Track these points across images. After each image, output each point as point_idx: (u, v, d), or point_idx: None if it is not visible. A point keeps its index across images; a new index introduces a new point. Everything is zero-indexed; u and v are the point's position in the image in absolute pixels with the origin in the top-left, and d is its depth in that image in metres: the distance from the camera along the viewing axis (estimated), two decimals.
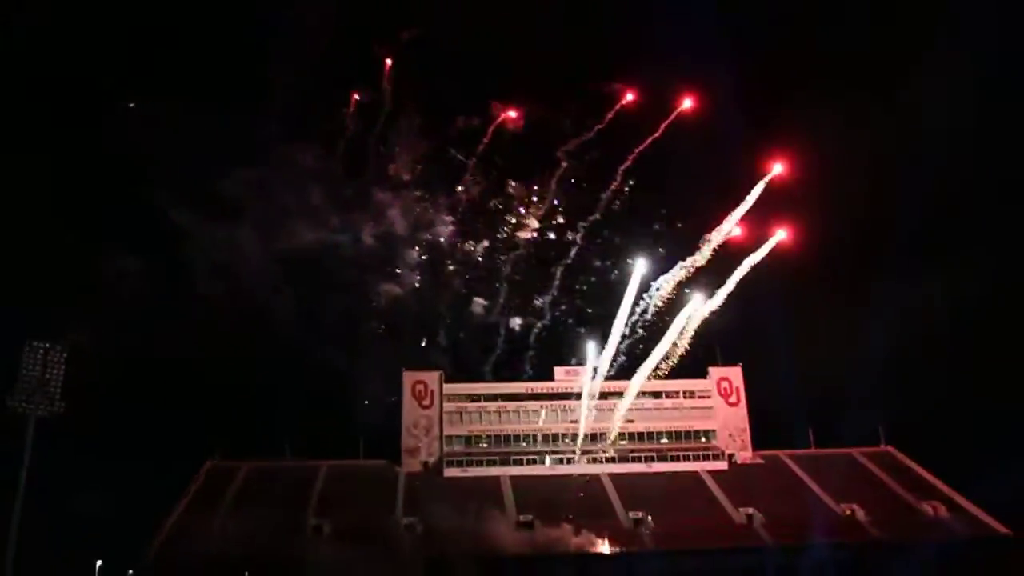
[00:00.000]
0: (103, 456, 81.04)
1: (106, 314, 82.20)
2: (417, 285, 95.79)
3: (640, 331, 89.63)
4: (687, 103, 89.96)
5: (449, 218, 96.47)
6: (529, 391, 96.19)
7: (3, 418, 70.92)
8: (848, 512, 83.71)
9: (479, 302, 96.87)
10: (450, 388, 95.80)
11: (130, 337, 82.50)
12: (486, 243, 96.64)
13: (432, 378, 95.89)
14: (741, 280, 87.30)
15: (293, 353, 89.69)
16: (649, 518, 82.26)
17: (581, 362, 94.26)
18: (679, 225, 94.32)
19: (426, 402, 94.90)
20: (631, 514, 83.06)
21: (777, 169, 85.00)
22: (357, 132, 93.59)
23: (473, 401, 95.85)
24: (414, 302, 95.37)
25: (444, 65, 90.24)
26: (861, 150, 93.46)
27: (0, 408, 70.88)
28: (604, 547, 77.67)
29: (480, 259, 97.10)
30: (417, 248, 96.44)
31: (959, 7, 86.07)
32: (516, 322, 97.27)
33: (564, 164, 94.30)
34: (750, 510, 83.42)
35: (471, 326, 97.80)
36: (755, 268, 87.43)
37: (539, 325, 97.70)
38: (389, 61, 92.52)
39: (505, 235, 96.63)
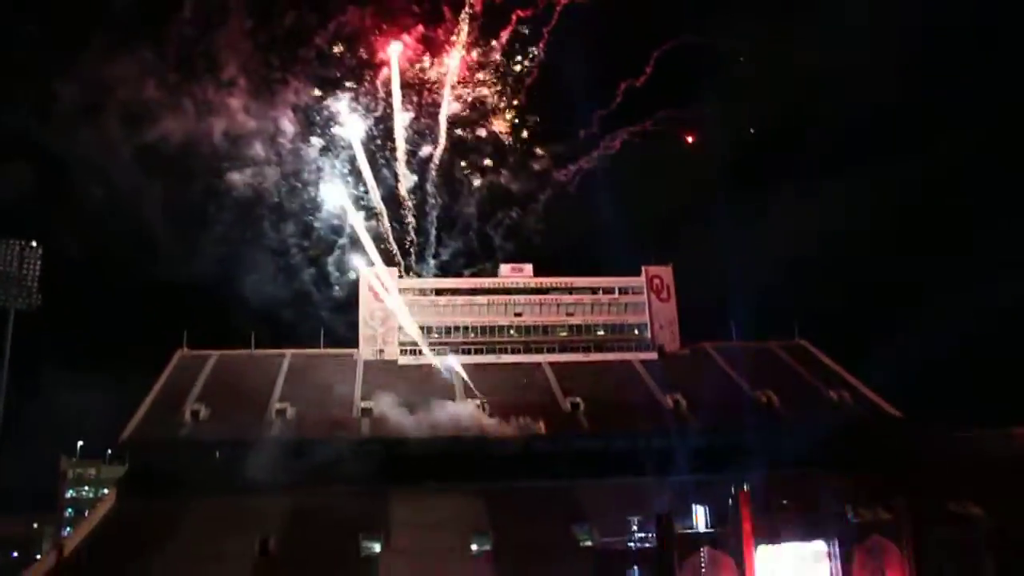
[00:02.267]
0: (81, 347, 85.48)
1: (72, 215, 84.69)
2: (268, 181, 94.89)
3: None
4: None
5: (288, 115, 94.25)
6: (476, 286, 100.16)
7: None
8: (764, 398, 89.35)
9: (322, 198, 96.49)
10: (404, 283, 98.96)
11: (100, 236, 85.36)
12: (321, 141, 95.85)
13: (388, 273, 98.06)
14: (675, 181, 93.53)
15: (250, 248, 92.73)
16: (585, 403, 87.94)
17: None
18: None
19: (382, 295, 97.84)
20: (569, 399, 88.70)
21: None
22: (192, 36, 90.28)
23: (425, 295, 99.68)
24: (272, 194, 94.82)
25: None
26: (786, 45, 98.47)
27: None
28: (543, 428, 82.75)
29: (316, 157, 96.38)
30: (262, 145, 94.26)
31: None
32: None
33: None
34: (677, 395, 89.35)
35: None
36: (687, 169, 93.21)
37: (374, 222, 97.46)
38: None
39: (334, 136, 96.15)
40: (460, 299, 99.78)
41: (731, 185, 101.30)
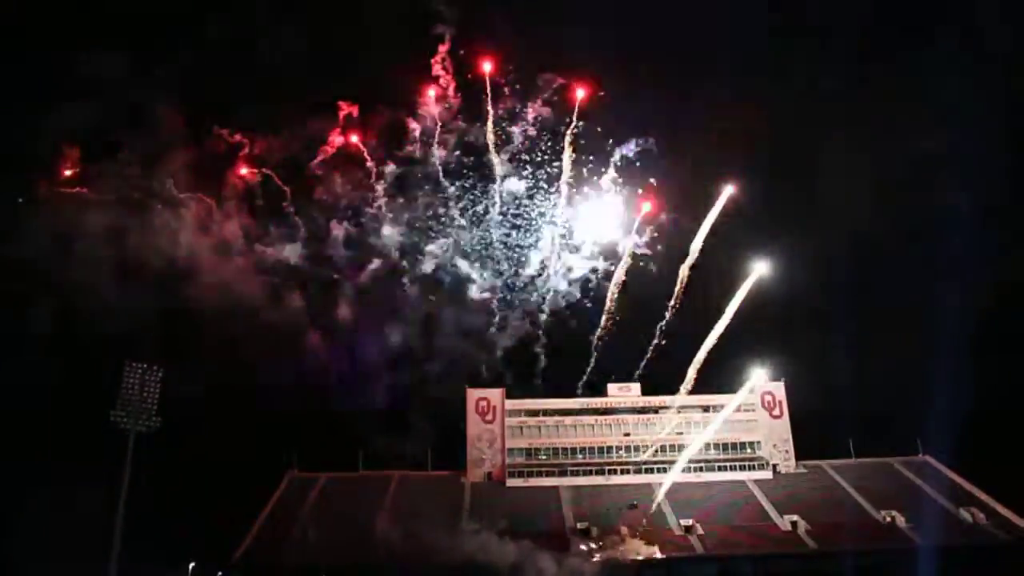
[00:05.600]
0: (195, 467, 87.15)
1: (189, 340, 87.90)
2: None
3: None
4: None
5: None
6: (585, 406, 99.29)
7: (106, 433, 76.29)
8: (888, 519, 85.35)
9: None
10: (511, 404, 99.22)
11: (213, 359, 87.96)
12: None
13: (494, 395, 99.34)
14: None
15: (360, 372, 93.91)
16: (699, 525, 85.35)
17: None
18: None
19: (489, 417, 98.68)
20: (682, 521, 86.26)
21: None
22: None
23: (532, 416, 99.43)
24: None
25: None
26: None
27: (103, 423, 75.95)
28: (656, 552, 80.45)
29: None
30: None
31: None
32: None
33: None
34: (794, 517, 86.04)
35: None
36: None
37: None
38: None
39: None
40: (568, 419, 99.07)
41: (841, 294, 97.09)
